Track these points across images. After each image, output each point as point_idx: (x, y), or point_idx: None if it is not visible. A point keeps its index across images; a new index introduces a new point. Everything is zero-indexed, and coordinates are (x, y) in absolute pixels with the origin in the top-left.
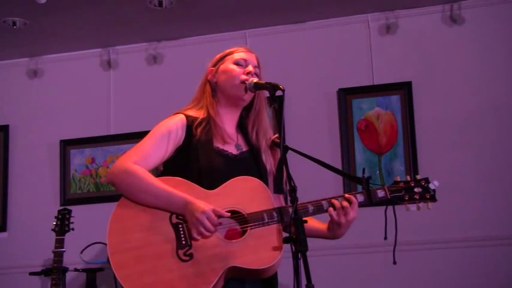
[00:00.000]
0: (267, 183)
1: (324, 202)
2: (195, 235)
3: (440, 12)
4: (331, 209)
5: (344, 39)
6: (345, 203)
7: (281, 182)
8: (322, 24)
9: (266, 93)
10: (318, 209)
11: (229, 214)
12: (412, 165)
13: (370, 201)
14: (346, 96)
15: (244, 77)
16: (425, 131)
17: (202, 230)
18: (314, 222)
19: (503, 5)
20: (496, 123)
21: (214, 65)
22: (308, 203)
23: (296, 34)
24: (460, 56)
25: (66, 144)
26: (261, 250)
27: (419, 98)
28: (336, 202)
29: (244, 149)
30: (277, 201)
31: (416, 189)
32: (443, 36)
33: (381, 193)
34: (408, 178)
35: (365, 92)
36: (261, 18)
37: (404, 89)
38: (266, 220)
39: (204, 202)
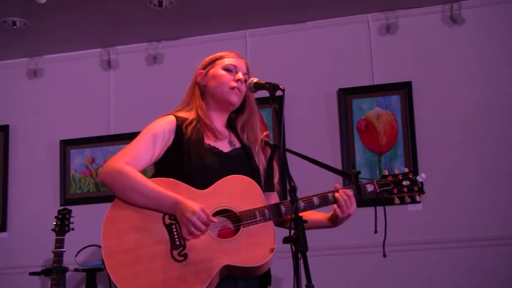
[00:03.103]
0: (259, 183)
1: (315, 198)
2: (186, 235)
3: (440, 12)
4: (335, 206)
5: (344, 39)
6: (340, 199)
7: (271, 180)
8: (322, 24)
9: (266, 93)
10: (309, 205)
11: (216, 220)
12: (412, 165)
13: (360, 195)
14: (346, 96)
15: (233, 84)
16: (425, 131)
17: (193, 229)
18: (309, 214)
19: (503, 5)
20: (496, 123)
21: (203, 68)
22: (300, 199)
23: (296, 34)
24: (460, 56)
25: (66, 144)
26: (254, 248)
27: (419, 98)
28: (339, 198)
29: (237, 145)
30: (271, 199)
31: (404, 182)
32: (443, 36)
33: (370, 187)
34: (396, 171)
35: (365, 92)
36: (261, 18)
37: (404, 89)
38: (258, 218)
39: (194, 202)
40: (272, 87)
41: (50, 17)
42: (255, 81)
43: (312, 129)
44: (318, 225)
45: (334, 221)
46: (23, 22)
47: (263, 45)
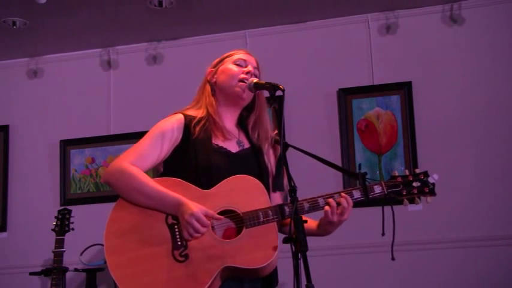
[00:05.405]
0: (267, 182)
1: (320, 199)
2: (185, 236)
3: (440, 12)
4: (327, 207)
5: (344, 39)
6: (343, 201)
7: (281, 180)
8: (322, 24)
9: (266, 93)
10: (314, 206)
11: (221, 217)
12: (412, 165)
13: (367, 196)
14: (346, 96)
15: (243, 76)
16: (425, 131)
17: (192, 231)
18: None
19: (503, 5)
20: (496, 123)
21: (213, 67)
22: (304, 200)
23: (296, 34)
24: (460, 56)
25: (66, 144)
26: (256, 249)
27: (419, 98)
28: (331, 201)
29: (246, 145)
30: (274, 199)
31: (414, 184)
32: (443, 36)
33: (377, 188)
34: (406, 172)
35: (365, 92)
36: (261, 18)
37: (404, 89)
38: (261, 219)
39: (195, 203)
40: (272, 87)
41: (50, 17)
42: (255, 81)
43: (312, 129)
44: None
45: (324, 227)
46: (23, 22)
47: (263, 45)
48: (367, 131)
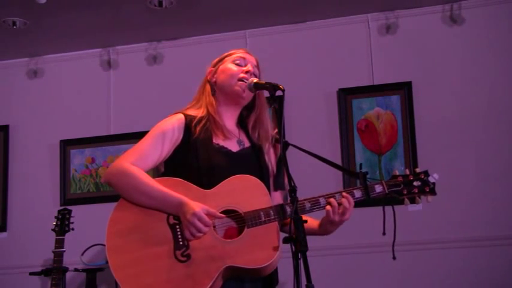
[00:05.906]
0: (267, 181)
1: (321, 199)
2: (187, 236)
3: (440, 12)
4: (328, 207)
5: (344, 39)
6: (344, 201)
7: (281, 178)
8: (322, 24)
9: (266, 93)
10: (315, 206)
11: (223, 215)
12: (412, 165)
13: (368, 196)
14: (346, 96)
15: (242, 75)
16: (425, 131)
17: (194, 231)
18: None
19: (503, 5)
20: (496, 123)
21: (213, 66)
22: (305, 199)
23: (296, 34)
24: (460, 56)
25: (66, 144)
26: (258, 249)
27: (419, 98)
28: (333, 201)
29: (246, 145)
30: (276, 198)
31: (415, 183)
32: (443, 36)
33: (378, 188)
34: (407, 172)
35: (365, 92)
36: (261, 18)
37: (404, 89)
38: (263, 219)
39: (197, 203)
40: (272, 87)
41: (50, 17)
42: (255, 81)
43: (312, 129)
44: (307, 231)
45: (325, 226)
46: (23, 22)
47: (263, 45)
48: (367, 131)
